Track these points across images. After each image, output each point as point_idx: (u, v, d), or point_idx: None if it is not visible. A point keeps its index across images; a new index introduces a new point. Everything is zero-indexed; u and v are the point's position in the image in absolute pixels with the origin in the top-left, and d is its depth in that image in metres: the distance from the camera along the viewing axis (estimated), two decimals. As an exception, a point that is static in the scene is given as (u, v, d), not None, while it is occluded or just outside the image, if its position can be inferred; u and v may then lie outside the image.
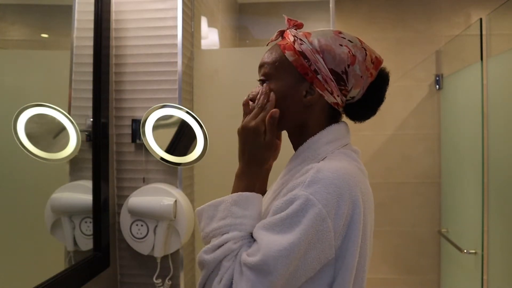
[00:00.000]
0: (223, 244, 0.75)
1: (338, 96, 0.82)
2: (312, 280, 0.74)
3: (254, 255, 0.71)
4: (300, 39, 0.82)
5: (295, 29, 0.86)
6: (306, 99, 0.82)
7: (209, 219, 0.79)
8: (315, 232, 0.70)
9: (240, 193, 0.79)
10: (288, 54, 0.82)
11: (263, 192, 0.93)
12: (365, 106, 0.87)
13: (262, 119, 0.82)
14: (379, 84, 0.85)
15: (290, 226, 0.71)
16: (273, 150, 0.83)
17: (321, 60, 0.80)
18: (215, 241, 0.76)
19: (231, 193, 0.81)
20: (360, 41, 0.83)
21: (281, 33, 0.87)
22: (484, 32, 1.96)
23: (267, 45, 0.88)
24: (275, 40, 0.87)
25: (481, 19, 1.98)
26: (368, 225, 0.78)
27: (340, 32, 0.83)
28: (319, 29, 0.85)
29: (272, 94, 0.83)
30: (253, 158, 0.82)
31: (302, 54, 0.81)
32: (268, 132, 0.81)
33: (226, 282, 0.72)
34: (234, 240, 0.75)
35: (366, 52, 0.82)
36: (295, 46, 0.82)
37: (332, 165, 0.76)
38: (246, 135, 0.82)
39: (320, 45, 0.81)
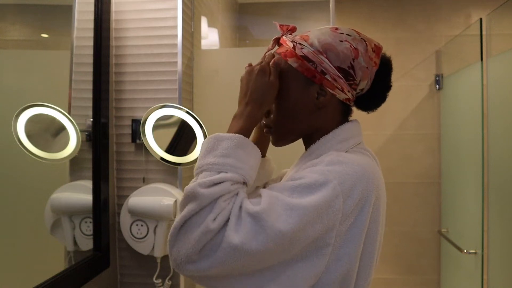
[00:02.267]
0: (220, 183, 0.70)
1: (348, 91, 0.82)
2: (303, 264, 0.71)
3: (258, 204, 0.69)
4: (300, 43, 0.81)
5: (290, 34, 0.85)
6: (319, 101, 0.81)
7: (207, 152, 0.74)
8: (326, 206, 0.69)
9: (244, 137, 0.76)
10: (291, 61, 0.81)
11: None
12: (375, 96, 0.87)
13: (268, 62, 0.83)
14: (384, 71, 0.86)
15: (301, 195, 0.70)
16: (275, 92, 0.82)
17: (326, 60, 0.79)
18: (209, 177, 0.70)
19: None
20: (358, 32, 0.83)
21: (277, 41, 0.86)
22: (484, 32, 1.96)
23: (265, 54, 0.87)
24: (272, 49, 0.86)
25: (481, 19, 1.98)
26: (379, 224, 0.77)
27: (337, 28, 0.82)
28: (315, 28, 0.84)
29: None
30: (255, 97, 0.79)
31: (305, 58, 0.80)
32: (272, 74, 0.81)
33: (221, 223, 0.68)
34: (232, 182, 0.71)
35: (366, 43, 0.82)
36: (296, 52, 0.80)
37: (353, 156, 0.78)
38: (252, 74, 0.81)
39: (321, 45, 0.80)
